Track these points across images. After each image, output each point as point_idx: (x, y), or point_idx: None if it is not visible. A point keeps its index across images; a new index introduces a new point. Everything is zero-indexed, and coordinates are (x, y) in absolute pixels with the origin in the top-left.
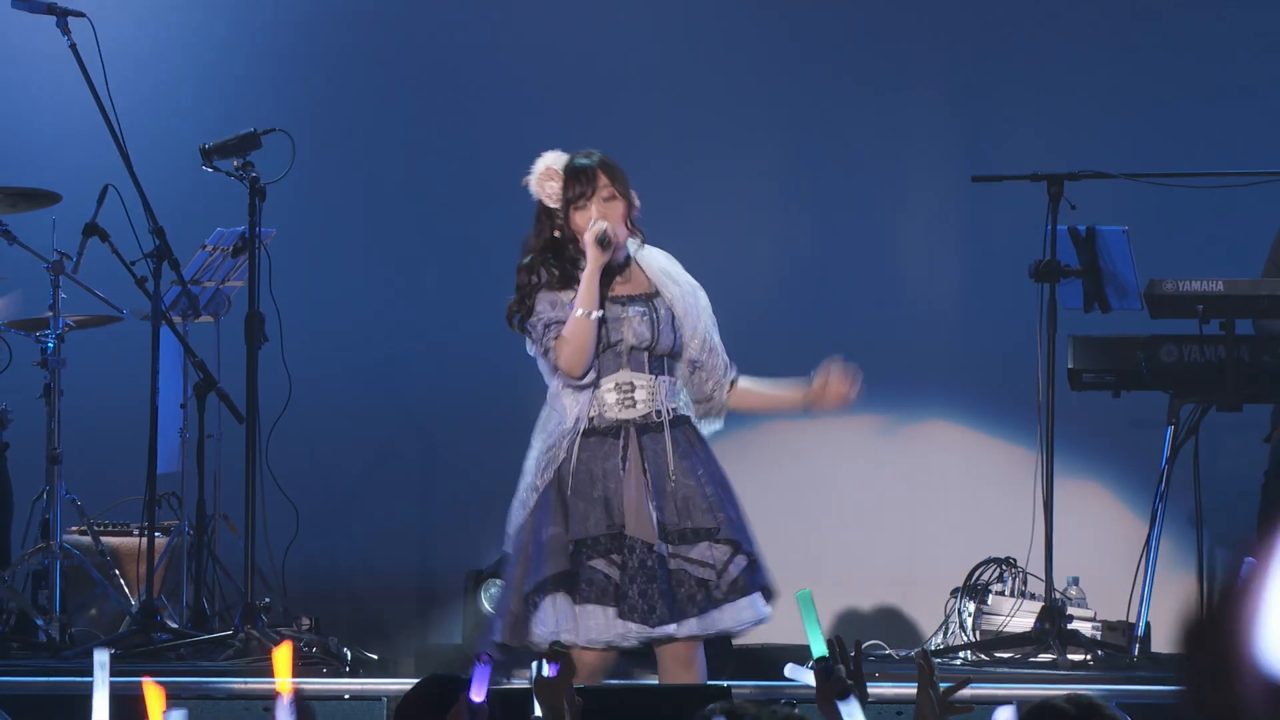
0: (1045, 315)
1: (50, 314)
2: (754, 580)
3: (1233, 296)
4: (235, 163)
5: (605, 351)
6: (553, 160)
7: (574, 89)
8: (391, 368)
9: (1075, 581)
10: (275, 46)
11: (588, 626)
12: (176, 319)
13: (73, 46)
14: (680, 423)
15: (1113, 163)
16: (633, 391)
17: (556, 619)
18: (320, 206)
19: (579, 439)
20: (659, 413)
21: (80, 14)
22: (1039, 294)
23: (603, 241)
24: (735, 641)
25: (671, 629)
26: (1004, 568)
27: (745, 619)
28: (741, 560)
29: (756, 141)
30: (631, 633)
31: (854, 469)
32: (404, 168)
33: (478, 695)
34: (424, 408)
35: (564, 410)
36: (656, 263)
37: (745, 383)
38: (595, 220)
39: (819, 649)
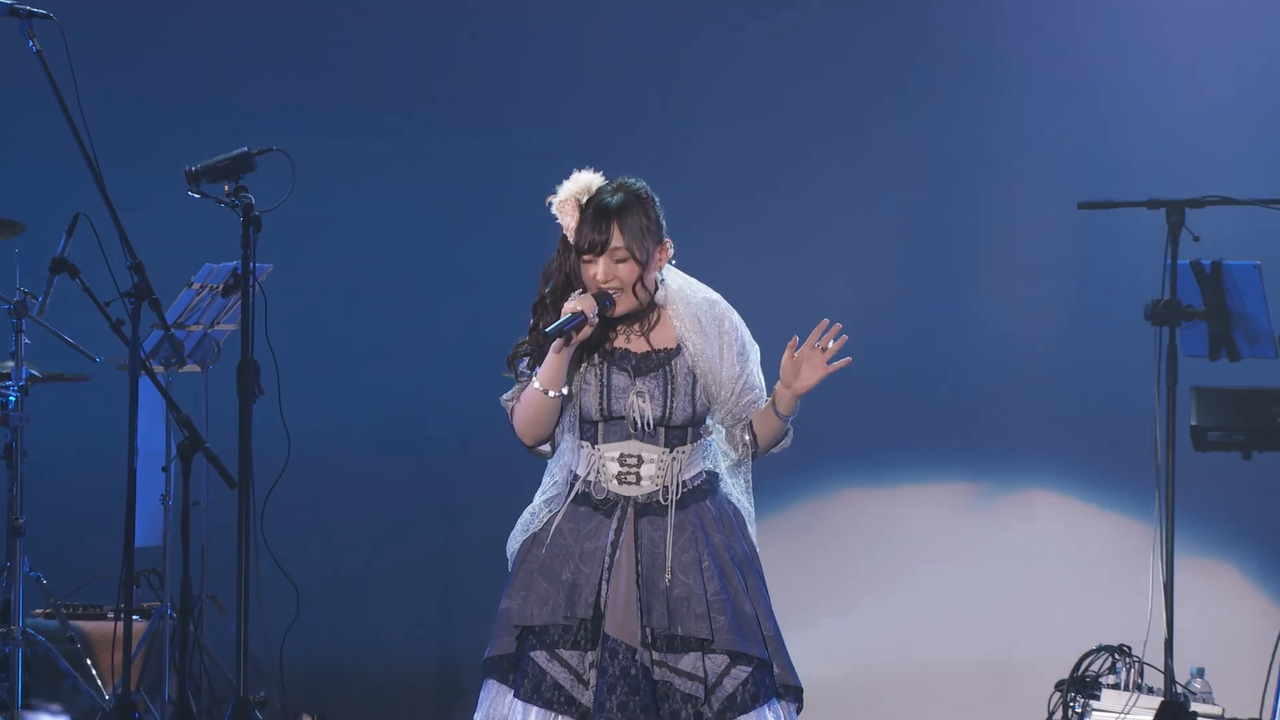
0: (1164, 364)
1: (12, 363)
2: (760, 691)
3: None
4: (226, 187)
5: (609, 421)
6: (580, 187)
7: (596, 113)
8: (406, 424)
9: (1200, 674)
10: (271, 56)
11: None
12: (158, 368)
13: (39, 53)
14: (700, 495)
15: (1241, 188)
16: (639, 466)
17: (489, 707)
18: (323, 238)
19: (566, 506)
20: (668, 490)
21: (47, 15)
22: (1157, 339)
23: (565, 329)
24: None
25: None
26: (1117, 657)
27: None
28: (741, 672)
29: (842, 166)
30: None
31: (943, 544)
32: (417, 197)
33: None
34: (444, 470)
35: (559, 467)
36: (688, 307)
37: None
38: (576, 294)
39: None
